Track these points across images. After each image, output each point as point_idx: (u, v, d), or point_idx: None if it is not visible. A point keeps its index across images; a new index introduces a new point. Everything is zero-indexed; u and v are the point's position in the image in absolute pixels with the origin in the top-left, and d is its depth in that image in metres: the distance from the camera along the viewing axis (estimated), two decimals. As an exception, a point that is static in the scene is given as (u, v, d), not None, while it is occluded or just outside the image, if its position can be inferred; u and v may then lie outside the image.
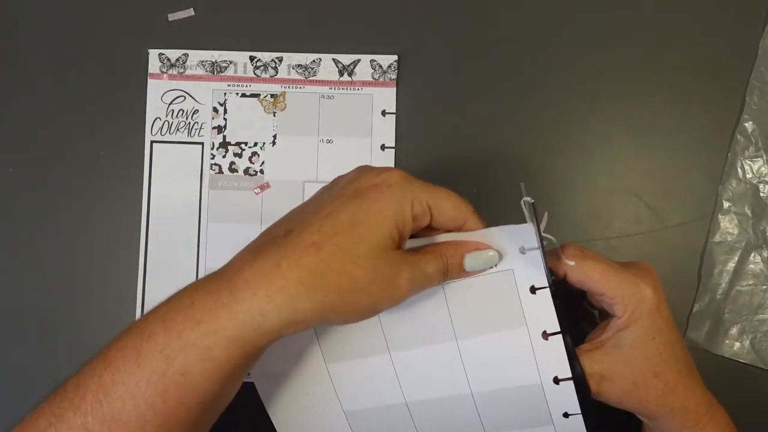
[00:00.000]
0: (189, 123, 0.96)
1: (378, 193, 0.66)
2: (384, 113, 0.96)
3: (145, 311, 0.92)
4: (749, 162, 0.95)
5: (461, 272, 0.72)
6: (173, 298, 0.67)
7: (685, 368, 0.75)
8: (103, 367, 0.64)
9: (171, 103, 0.96)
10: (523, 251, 0.73)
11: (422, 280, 0.68)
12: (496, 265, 0.73)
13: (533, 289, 0.73)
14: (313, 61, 0.97)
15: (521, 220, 0.69)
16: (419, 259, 0.68)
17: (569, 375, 0.72)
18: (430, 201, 0.68)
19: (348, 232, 0.64)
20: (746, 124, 0.95)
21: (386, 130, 0.96)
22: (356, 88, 0.96)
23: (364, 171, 0.70)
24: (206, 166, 0.95)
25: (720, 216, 0.95)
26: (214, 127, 0.96)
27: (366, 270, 0.64)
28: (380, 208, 0.65)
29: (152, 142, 0.95)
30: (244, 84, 0.96)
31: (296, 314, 0.62)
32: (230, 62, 0.97)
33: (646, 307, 0.73)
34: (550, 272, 0.74)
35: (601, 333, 0.75)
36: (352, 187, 0.68)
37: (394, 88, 0.97)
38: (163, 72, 0.96)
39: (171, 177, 0.95)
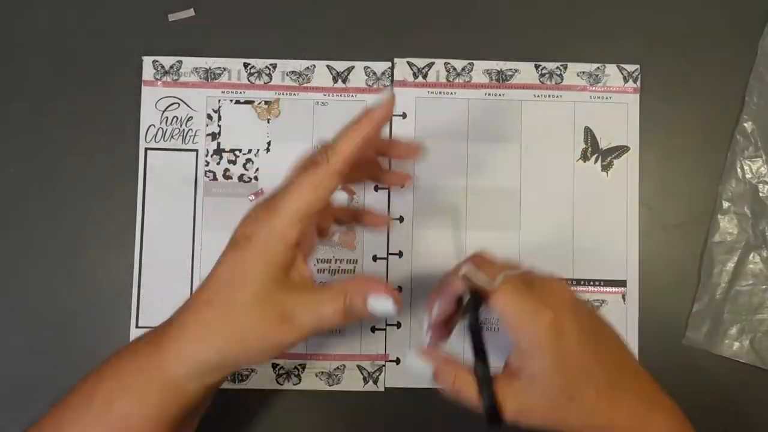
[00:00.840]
0: (183, 130, 0.96)
1: (247, 241, 0.70)
2: (378, 118, 0.96)
3: (140, 317, 0.93)
4: (749, 162, 0.94)
5: (366, 312, 0.71)
6: (129, 345, 0.74)
7: (604, 386, 0.71)
8: (62, 409, 0.72)
9: (165, 110, 0.96)
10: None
11: (319, 320, 0.69)
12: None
13: None
14: (307, 67, 0.97)
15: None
16: (318, 298, 0.70)
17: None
18: (301, 218, 0.70)
19: (229, 284, 0.69)
20: (746, 124, 0.95)
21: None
22: (350, 94, 0.96)
23: (242, 220, 0.73)
24: (200, 173, 0.96)
25: (719, 216, 0.94)
26: (208, 134, 0.96)
27: (253, 318, 0.67)
28: (251, 256, 0.69)
29: (146, 149, 0.95)
30: (238, 91, 0.96)
31: (203, 365, 0.68)
32: (224, 69, 0.96)
33: (546, 336, 0.69)
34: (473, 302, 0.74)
35: (515, 359, 0.73)
36: (231, 240, 0.72)
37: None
38: (157, 79, 0.96)
39: (165, 184, 0.96)
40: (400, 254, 0.95)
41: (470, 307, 0.74)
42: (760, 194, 0.94)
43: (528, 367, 0.71)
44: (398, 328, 0.95)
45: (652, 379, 0.75)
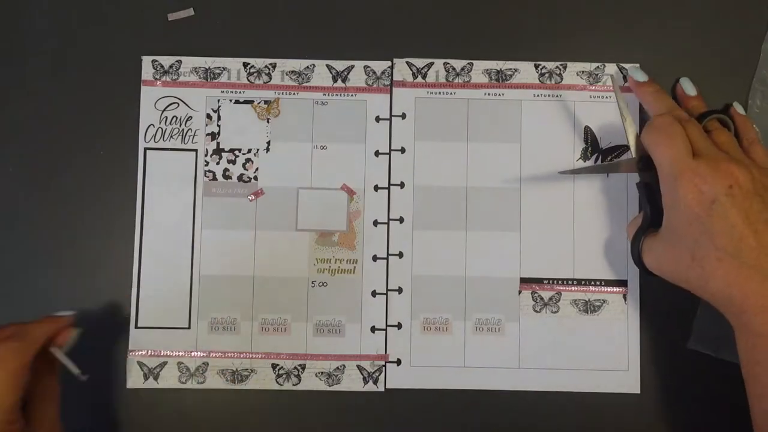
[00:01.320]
0: (182, 130, 0.96)
1: None
2: (378, 119, 0.96)
3: (139, 317, 0.93)
4: (752, 164, 0.94)
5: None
6: None
7: (729, 257, 0.74)
8: None
9: (164, 110, 0.96)
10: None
11: None
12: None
13: None
14: (307, 67, 0.96)
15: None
16: None
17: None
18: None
19: None
20: (749, 127, 0.94)
21: (380, 136, 0.96)
22: (350, 94, 0.96)
23: None
24: (200, 173, 0.95)
25: (722, 217, 0.94)
26: (207, 134, 0.96)
27: None
28: None
29: (146, 149, 0.95)
30: (238, 90, 0.96)
31: None
32: (223, 69, 0.96)
33: (684, 195, 0.76)
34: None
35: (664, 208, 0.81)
36: None
37: (389, 94, 0.96)
38: (156, 79, 0.96)
39: (165, 184, 0.95)
40: (401, 255, 0.95)
41: (643, 163, 0.86)
42: (763, 195, 0.94)
43: (666, 218, 0.80)
44: (399, 328, 0.95)
45: None
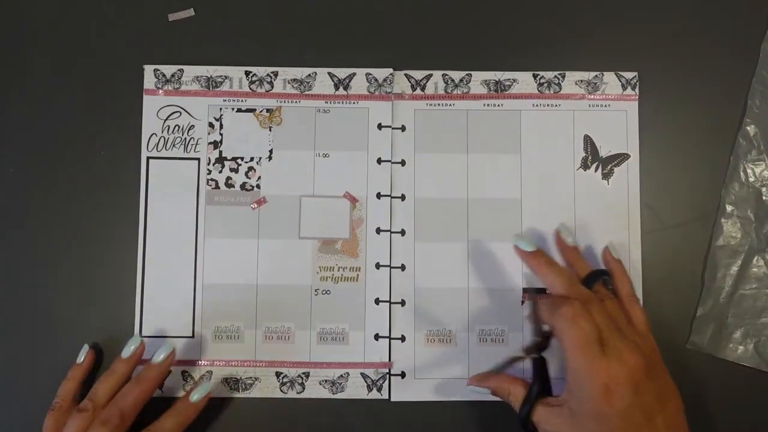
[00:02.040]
0: (185, 138, 0.95)
1: None
2: (380, 127, 0.96)
3: (143, 325, 0.94)
4: (752, 165, 0.94)
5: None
6: None
7: None
8: None
9: (167, 119, 0.96)
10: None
11: None
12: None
13: None
14: (309, 75, 0.97)
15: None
16: None
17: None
18: None
19: None
20: (748, 128, 0.95)
21: (383, 144, 0.96)
22: (352, 101, 0.96)
23: None
24: (203, 182, 0.95)
25: (723, 219, 0.94)
26: (210, 143, 0.96)
27: None
28: None
29: (148, 158, 0.95)
30: (240, 99, 0.96)
31: None
32: (225, 77, 0.96)
33: (597, 393, 0.76)
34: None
35: (565, 388, 0.82)
36: None
37: (390, 102, 0.96)
38: (158, 88, 0.96)
39: (167, 193, 0.95)
40: (403, 267, 0.95)
41: (538, 338, 0.88)
42: (764, 198, 0.94)
43: (570, 403, 0.79)
44: (403, 341, 0.94)
45: None
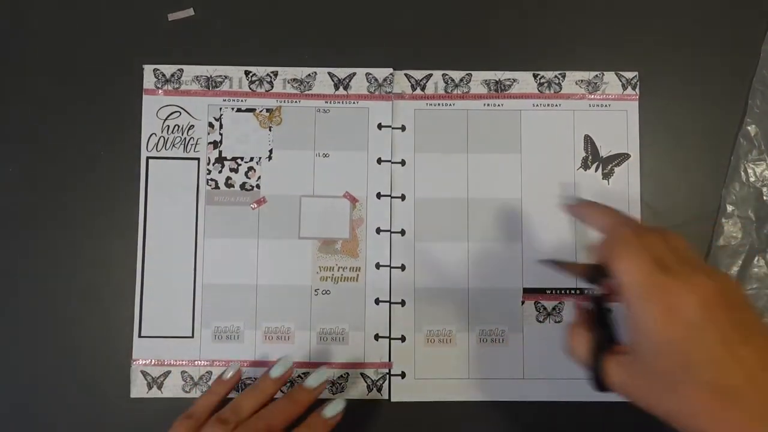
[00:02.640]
0: (185, 138, 0.95)
1: None
2: (380, 126, 0.96)
3: (143, 327, 0.93)
4: (753, 165, 0.94)
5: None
6: None
7: (708, 389, 0.62)
8: None
9: (166, 119, 0.96)
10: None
11: None
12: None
13: None
14: (309, 75, 0.97)
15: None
16: None
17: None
18: None
19: None
20: (749, 128, 0.95)
21: (383, 144, 0.96)
22: (352, 101, 0.96)
23: None
24: (202, 182, 0.95)
25: (723, 220, 0.94)
26: (209, 143, 0.96)
27: None
28: None
29: (148, 158, 0.95)
30: (240, 99, 0.96)
31: None
32: (225, 77, 0.96)
33: (659, 320, 0.64)
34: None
35: (630, 332, 0.69)
36: None
37: (390, 102, 0.97)
38: (158, 87, 0.96)
39: (167, 193, 0.95)
40: (403, 267, 0.95)
41: (593, 275, 0.74)
42: (765, 198, 0.94)
43: (637, 344, 0.67)
44: (403, 341, 0.94)
45: None
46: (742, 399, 0.61)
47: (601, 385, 0.71)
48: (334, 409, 0.85)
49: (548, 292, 0.94)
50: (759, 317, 0.66)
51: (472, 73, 0.97)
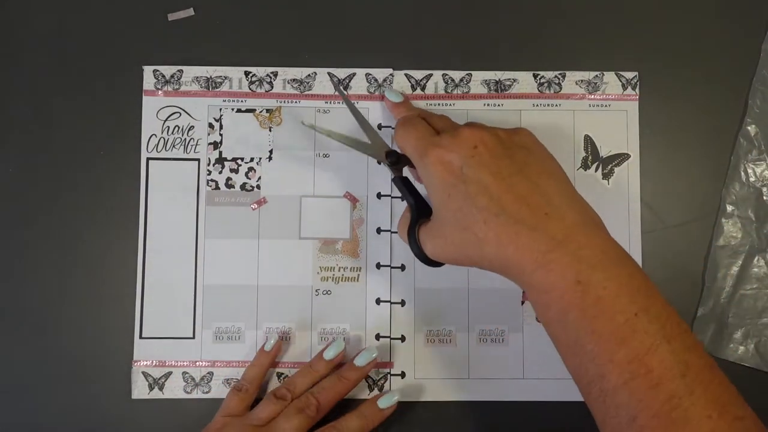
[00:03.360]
0: (185, 139, 0.95)
1: None
2: (380, 127, 0.96)
3: (143, 327, 0.93)
4: (752, 165, 0.94)
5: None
6: None
7: (494, 218, 0.70)
8: None
9: (166, 120, 0.96)
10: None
11: None
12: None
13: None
14: (308, 75, 0.97)
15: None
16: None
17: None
18: None
19: None
20: (749, 128, 0.95)
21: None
22: (352, 102, 0.95)
23: None
24: (203, 182, 0.95)
25: (723, 219, 0.94)
26: (210, 143, 0.96)
27: None
28: None
29: (148, 159, 0.95)
30: (240, 99, 0.96)
31: None
32: (225, 78, 0.96)
33: (431, 169, 0.75)
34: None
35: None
36: None
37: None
38: (157, 88, 0.96)
39: (168, 193, 0.95)
40: (403, 267, 0.95)
41: (392, 159, 0.87)
42: (764, 198, 0.94)
43: (431, 202, 0.78)
44: (402, 341, 0.94)
45: (580, 222, 0.71)
46: (522, 218, 0.70)
47: (423, 257, 0.80)
48: (388, 401, 0.90)
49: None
50: (532, 158, 0.76)
51: (472, 73, 0.97)
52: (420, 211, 0.82)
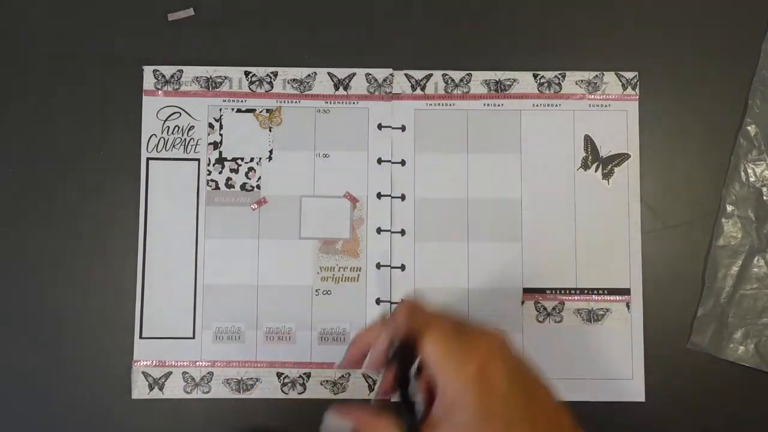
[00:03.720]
0: (185, 139, 0.95)
1: None
2: (380, 127, 0.96)
3: (144, 328, 0.93)
4: (752, 165, 0.94)
5: None
6: None
7: None
8: None
9: (166, 120, 0.96)
10: None
11: None
12: None
13: None
14: (308, 75, 0.97)
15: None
16: None
17: None
18: None
19: None
20: (749, 128, 0.95)
21: (383, 144, 0.96)
22: (352, 101, 0.96)
23: None
24: (203, 182, 0.95)
25: (723, 220, 0.94)
26: (210, 143, 0.96)
27: None
28: None
29: (148, 159, 0.95)
30: (240, 99, 0.96)
31: None
32: (225, 78, 0.96)
33: (472, 387, 0.64)
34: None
35: (439, 408, 0.67)
36: None
37: (390, 102, 0.96)
38: (157, 88, 0.96)
39: (168, 194, 0.95)
40: (403, 267, 0.95)
41: (397, 356, 0.71)
42: (764, 198, 0.94)
43: (451, 417, 0.66)
44: (401, 341, 0.94)
45: None
46: None
47: None
48: None
49: (548, 292, 0.94)
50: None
51: (472, 73, 0.97)
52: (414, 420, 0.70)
